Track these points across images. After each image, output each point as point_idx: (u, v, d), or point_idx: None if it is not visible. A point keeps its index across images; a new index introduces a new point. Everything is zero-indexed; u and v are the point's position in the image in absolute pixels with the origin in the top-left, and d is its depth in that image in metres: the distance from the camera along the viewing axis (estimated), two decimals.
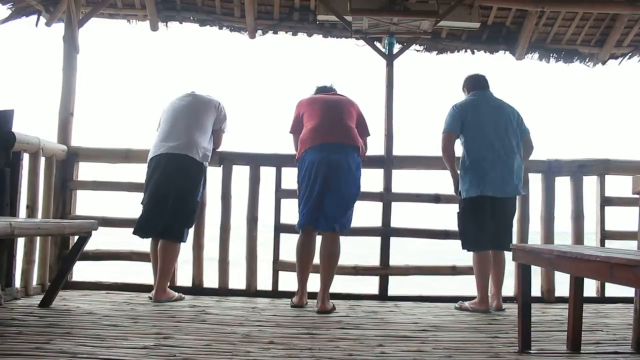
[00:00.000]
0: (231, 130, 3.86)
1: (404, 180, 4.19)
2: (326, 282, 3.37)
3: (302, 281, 3.50)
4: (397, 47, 4.30)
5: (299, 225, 3.45)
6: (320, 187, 3.35)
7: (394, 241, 3.98)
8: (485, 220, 3.43)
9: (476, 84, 3.69)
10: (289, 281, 3.87)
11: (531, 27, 4.63)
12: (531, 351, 2.34)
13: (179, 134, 3.54)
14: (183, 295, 3.61)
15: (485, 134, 3.47)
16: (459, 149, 3.61)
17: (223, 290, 3.86)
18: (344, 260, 3.54)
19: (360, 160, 3.49)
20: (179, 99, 3.72)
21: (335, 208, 3.35)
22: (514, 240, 3.74)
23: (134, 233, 3.55)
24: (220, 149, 3.84)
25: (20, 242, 3.41)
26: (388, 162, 4.03)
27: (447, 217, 3.78)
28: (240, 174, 3.95)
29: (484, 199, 3.43)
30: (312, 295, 3.48)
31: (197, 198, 3.59)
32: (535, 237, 3.96)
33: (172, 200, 3.47)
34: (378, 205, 3.96)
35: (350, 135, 3.45)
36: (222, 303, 3.48)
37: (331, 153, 3.37)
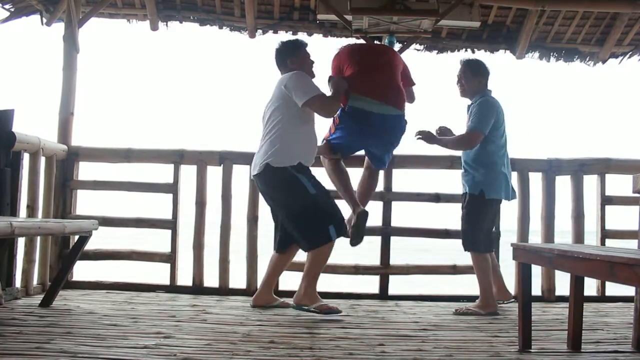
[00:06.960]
0: (231, 129, 3.85)
1: (404, 180, 4.19)
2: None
3: (351, 196, 3.41)
4: (397, 46, 4.30)
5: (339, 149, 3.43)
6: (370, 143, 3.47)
7: (394, 240, 3.97)
8: (493, 222, 3.44)
9: (487, 78, 3.48)
10: (289, 280, 3.87)
11: (531, 26, 4.62)
12: (532, 350, 2.34)
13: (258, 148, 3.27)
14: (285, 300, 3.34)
15: (504, 136, 3.42)
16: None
17: (223, 290, 3.85)
18: (344, 259, 3.54)
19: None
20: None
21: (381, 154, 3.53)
22: (515, 239, 3.73)
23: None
24: (220, 149, 3.82)
25: (21, 242, 3.42)
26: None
27: (448, 216, 3.78)
28: (241, 173, 3.95)
29: (499, 202, 3.43)
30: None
31: (307, 198, 3.12)
32: (535, 236, 3.96)
33: (283, 218, 3.26)
34: (378, 205, 3.96)
35: (401, 99, 3.42)
36: (222, 302, 3.48)
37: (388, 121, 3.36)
